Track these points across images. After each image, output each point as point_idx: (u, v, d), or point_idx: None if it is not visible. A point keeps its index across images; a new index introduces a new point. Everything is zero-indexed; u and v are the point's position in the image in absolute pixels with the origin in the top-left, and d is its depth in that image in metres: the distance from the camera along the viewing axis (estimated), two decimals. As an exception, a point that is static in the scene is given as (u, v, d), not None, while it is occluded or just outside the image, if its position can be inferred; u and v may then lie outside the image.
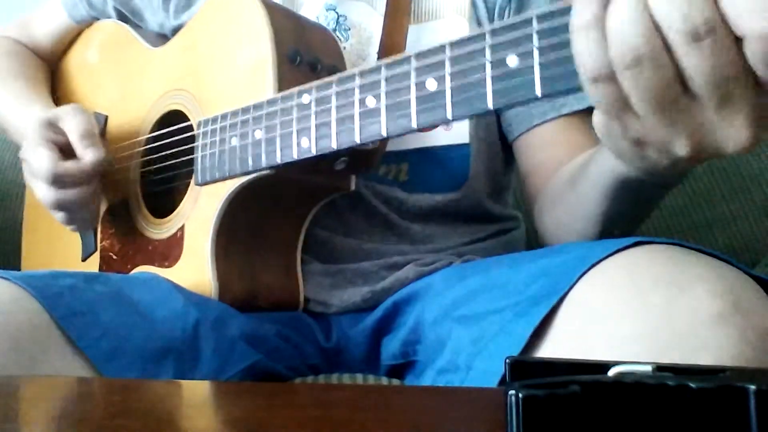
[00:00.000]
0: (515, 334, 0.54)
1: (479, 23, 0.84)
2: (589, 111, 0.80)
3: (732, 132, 0.41)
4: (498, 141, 0.87)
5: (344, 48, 0.83)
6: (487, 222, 0.89)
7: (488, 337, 0.58)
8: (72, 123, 0.81)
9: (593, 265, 0.52)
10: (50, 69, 1.09)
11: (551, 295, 0.53)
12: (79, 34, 1.06)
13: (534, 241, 0.89)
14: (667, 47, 0.40)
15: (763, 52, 0.37)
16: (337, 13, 0.86)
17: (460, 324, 0.64)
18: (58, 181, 0.80)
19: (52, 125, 0.82)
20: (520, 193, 0.95)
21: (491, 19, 0.85)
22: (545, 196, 0.79)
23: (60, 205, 0.82)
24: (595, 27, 0.41)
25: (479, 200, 0.87)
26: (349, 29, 0.85)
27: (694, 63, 0.39)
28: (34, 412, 0.43)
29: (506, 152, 0.89)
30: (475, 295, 0.65)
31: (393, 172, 0.83)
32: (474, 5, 0.85)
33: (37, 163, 0.80)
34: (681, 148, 0.43)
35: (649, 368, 0.29)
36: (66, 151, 0.81)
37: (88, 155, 0.80)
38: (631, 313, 0.47)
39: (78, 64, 1.06)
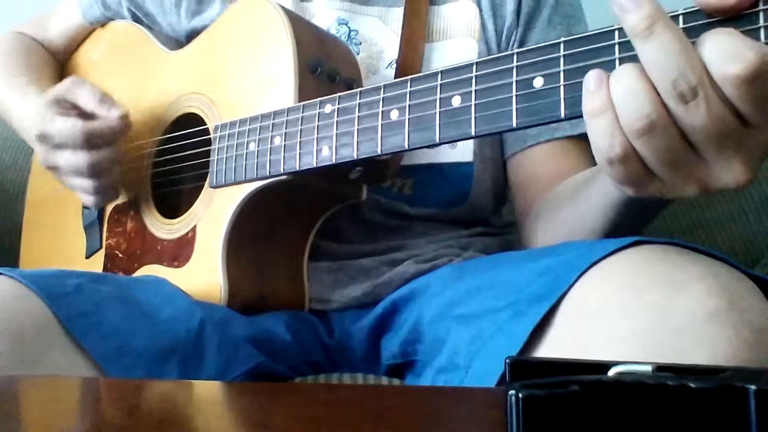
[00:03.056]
0: (514, 333, 0.54)
1: (488, 45, 0.87)
2: (581, 136, 0.83)
3: (732, 174, 0.45)
4: (501, 158, 0.89)
5: None
6: (487, 226, 0.91)
7: (487, 337, 0.58)
8: (83, 92, 0.81)
9: (592, 265, 0.52)
10: (60, 66, 1.08)
11: (550, 295, 0.53)
12: (91, 32, 1.06)
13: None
14: (668, 110, 0.44)
15: (743, 93, 0.41)
16: (349, 27, 0.87)
17: (459, 323, 0.64)
18: (90, 141, 0.79)
19: (60, 101, 0.82)
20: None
21: (499, 42, 0.87)
22: (538, 213, 0.81)
23: (92, 169, 0.80)
24: (608, 110, 0.45)
25: (480, 214, 0.89)
26: (360, 43, 0.86)
27: (690, 122, 0.43)
28: (37, 412, 0.43)
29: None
30: (473, 294, 0.66)
31: (398, 186, 0.84)
32: (484, 28, 0.87)
33: (63, 131, 0.79)
34: (690, 191, 0.47)
35: (649, 368, 0.29)
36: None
37: (113, 113, 0.80)
38: (629, 312, 0.48)
39: (89, 62, 1.06)
